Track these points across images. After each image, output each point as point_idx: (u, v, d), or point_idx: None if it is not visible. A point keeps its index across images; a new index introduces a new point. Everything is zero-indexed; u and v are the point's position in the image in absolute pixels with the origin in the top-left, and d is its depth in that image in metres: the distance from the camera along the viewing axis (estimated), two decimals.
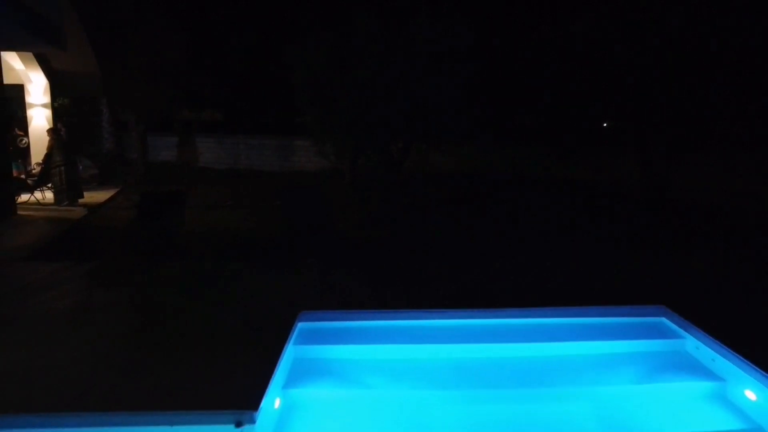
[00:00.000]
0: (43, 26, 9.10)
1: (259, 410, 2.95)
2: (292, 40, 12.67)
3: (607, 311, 4.35)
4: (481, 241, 7.94)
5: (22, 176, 11.91)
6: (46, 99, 13.59)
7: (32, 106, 13.48)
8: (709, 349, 3.63)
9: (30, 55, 12.32)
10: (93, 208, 11.20)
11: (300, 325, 4.25)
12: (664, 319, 4.20)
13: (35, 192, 11.53)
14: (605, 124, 17.14)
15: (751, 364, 3.25)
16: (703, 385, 3.41)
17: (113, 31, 14.54)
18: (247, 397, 3.11)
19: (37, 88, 13.40)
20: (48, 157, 11.39)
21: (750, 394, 3.16)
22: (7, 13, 7.46)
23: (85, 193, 12.04)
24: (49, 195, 11.65)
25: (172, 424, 2.92)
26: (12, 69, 12.46)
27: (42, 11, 9.05)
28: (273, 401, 3.31)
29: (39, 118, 13.56)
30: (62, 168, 11.26)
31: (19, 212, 10.35)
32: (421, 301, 4.82)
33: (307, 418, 3.32)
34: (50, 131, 11.57)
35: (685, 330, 3.94)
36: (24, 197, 11.26)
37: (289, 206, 11.26)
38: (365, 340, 4.14)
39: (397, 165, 11.77)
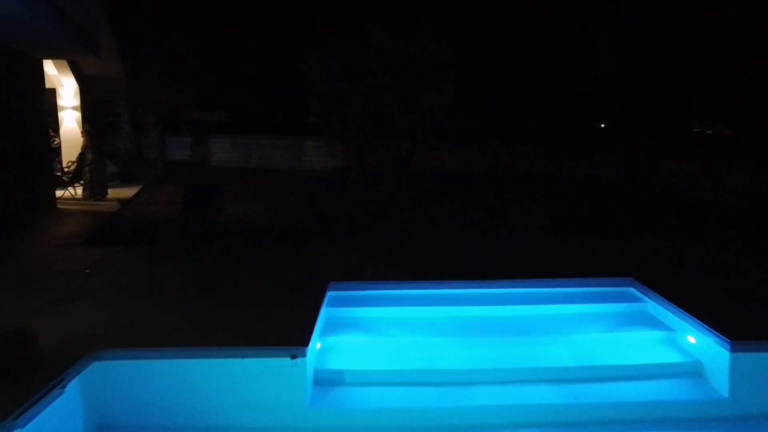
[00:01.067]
0: (84, 35, 9.91)
1: (308, 347, 3.80)
2: (304, 47, 13.45)
3: (587, 282, 5.19)
4: (479, 228, 8.76)
5: (57, 173, 12.75)
6: (76, 102, 14.42)
7: (63, 108, 14.31)
8: (664, 309, 4.47)
9: (63, 61, 13.17)
10: (124, 202, 12.04)
11: (330, 293, 5.10)
12: (631, 289, 5.04)
13: (69, 188, 12.40)
14: (603, 125, 17.93)
15: (693, 317, 4.08)
16: (657, 334, 4.26)
17: (137, 38, 15.38)
18: (296, 339, 3.93)
19: (68, 91, 14.23)
20: (82, 156, 12.26)
21: (691, 339, 4.00)
22: (57, 25, 8.25)
23: (111, 190, 12.87)
24: (80, 191, 12.48)
25: (242, 357, 3.76)
26: (46, 74, 13.28)
27: (83, 21, 9.86)
28: (315, 344, 4.15)
29: (69, 120, 14.40)
30: (93, 166, 12.14)
31: (58, 206, 11.19)
32: (428, 273, 5.61)
33: (341, 356, 4.16)
34: (85, 132, 12.43)
35: (647, 296, 4.78)
36: (59, 193, 12.10)
37: (304, 200, 12.07)
38: (382, 303, 4.99)
39: (404, 163, 12.56)
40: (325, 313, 4.69)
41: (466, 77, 11.37)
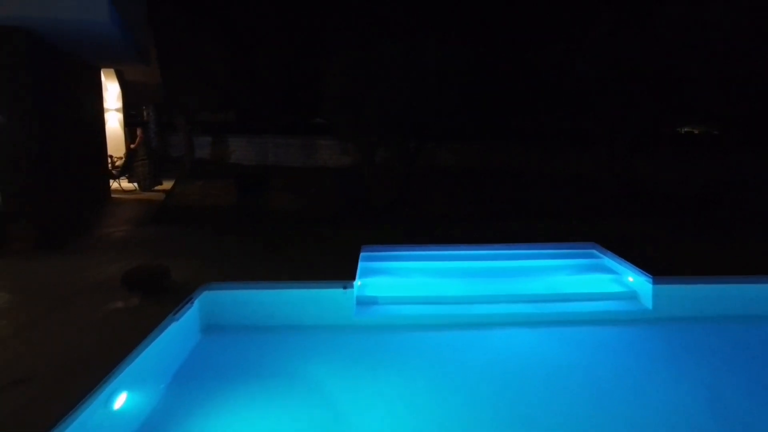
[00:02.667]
0: (139, 47, 11.25)
1: (355, 281, 5.23)
2: (315, 54, 14.80)
3: (561, 245, 6.60)
4: (478, 214, 10.17)
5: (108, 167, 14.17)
6: (119, 104, 15.83)
7: (107, 110, 15.70)
8: (614, 262, 5.89)
9: (110, 67, 14.54)
10: (166, 194, 13.43)
11: (363, 253, 6.52)
12: (594, 250, 6.46)
13: (117, 180, 13.83)
14: (598, 126, 19.25)
15: (633, 265, 5.49)
16: (608, 276, 5.67)
17: (172, 46, 16.77)
18: (344, 277, 5.33)
19: (111, 95, 15.60)
20: (134, 152, 13.77)
21: (630, 279, 5.41)
22: (130, 41, 9.56)
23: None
24: (124, 183, 13.94)
25: (307, 288, 5.18)
26: None
27: (137, 34, 11.19)
28: (357, 282, 5.57)
29: (112, 121, 15.79)
30: (146, 161, 13.64)
31: (111, 196, 12.59)
32: (436, 242, 6.98)
33: (374, 289, 5.59)
34: (141, 131, 13.94)
35: (604, 254, 6.19)
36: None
37: (324, 191, 13.49)
38: (401, 259, 6.42)
39: (412, 160, 13.93)
40: (361, 265, 6.13)
41: (467, 82, 12.75)
